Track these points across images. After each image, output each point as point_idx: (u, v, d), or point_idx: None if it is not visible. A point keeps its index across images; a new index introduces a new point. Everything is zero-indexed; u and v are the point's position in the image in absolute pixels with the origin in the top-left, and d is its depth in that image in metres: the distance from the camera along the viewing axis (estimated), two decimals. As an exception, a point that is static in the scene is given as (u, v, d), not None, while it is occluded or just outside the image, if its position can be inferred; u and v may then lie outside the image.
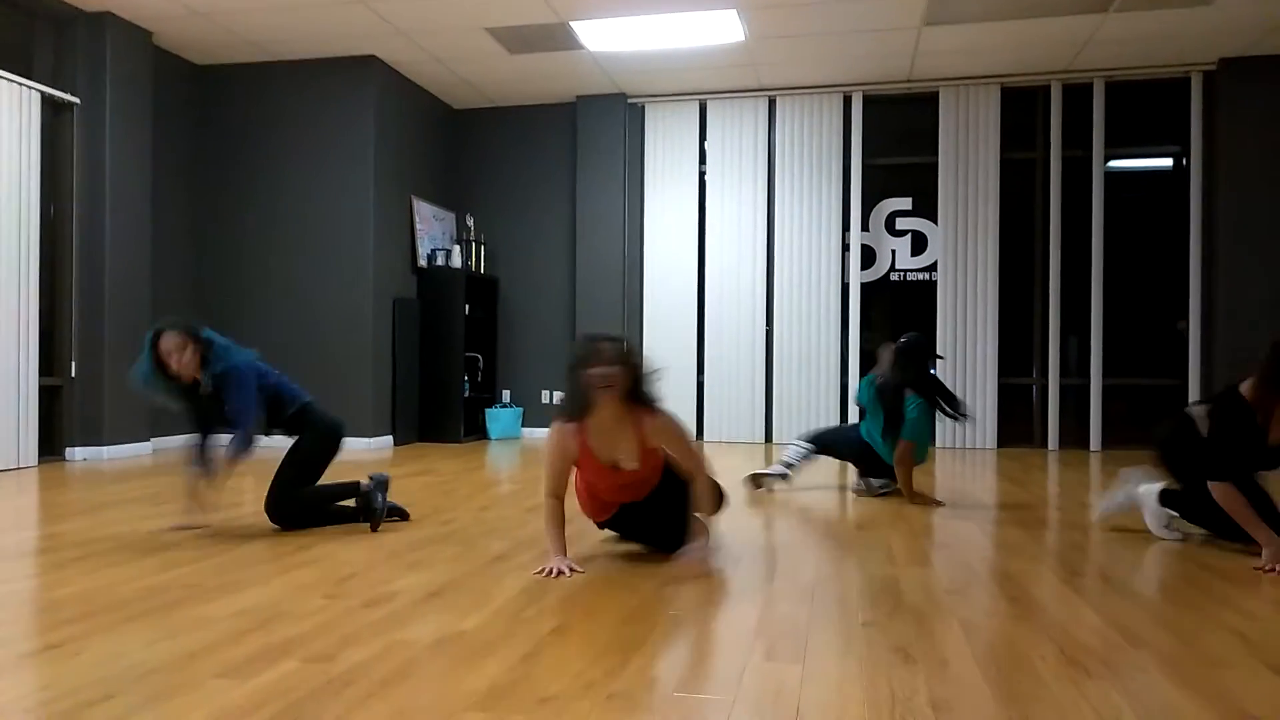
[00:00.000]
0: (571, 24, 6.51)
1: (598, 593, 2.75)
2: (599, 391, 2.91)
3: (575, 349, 2.99)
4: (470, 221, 8.44)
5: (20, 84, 5.92)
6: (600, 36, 6.73)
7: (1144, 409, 7.62)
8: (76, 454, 6.30)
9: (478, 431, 8.32)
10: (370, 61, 7.25)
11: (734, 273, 8.05)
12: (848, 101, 7.91)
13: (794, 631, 2.38)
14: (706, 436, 8.04)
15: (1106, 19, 6.37)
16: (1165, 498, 3.64)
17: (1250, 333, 7.05)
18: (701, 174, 8.19)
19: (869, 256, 7.95)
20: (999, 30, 6.61)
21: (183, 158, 7.42)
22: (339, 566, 3.10)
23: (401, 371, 7.62)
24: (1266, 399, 3.15)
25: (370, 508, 3.70)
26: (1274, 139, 7.09)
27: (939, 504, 4.53)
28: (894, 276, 7.93)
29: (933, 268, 7.82)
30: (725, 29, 6.56)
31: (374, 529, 3.70)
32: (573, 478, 3.21)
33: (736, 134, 8.07)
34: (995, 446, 7.58)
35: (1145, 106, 7.60)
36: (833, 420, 7.80)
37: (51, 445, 6.28)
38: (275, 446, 3.82)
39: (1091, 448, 7.53)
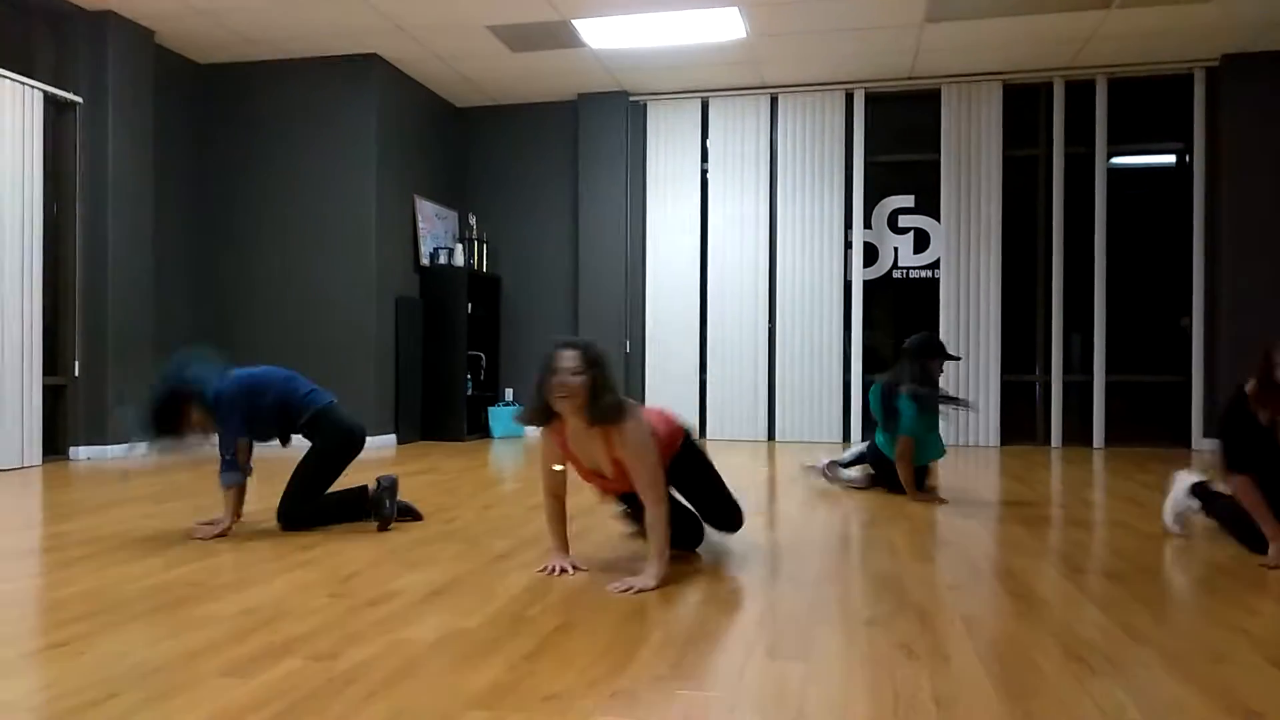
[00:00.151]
0: (573, 22, 6.51)
1: (600, 590, 2.75)
2: (559, 401, 2.81)
3: (544, 354, 2.87)
4: (473, 220, 8.45)
5: (23, 83, 5.93)
6: (602, 34, 6.73)
7: (1147, 406, 7.61)
8: (80, 453, 6.31)
9: (480, 430, 8.32)
10: (372, 60, 7.25)
11: (736, 270, 8.04)
12: (850, 99, 7.90)
13: (797, 629, 2.38)
14: (709, 434, 8.04)
15: (1109, 15, 6.35)
16: (1195, 489, 3.59)
17: (1254, 329, 7.03)
18: (704, 172, 8.18)
19: (871, 254, 7.95)
20: (1001, 27, 6.60)
21: (185, 157, 7.43)
22: (342, 565, 3.11)
23: (404, 370, 7.63)
24: (1264, 400, 3.14)
25: (380, 514, 3.68)
26: (1277, 135, 7.07)
27: (941, 501, 4.53)
28: (896, 274, 7.93)
29: (935, 265, 7.82)
30: (727, 26, 6.56)
31: (381, 528, 3.70)
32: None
33: (738, 132, 8.07)
34: (998, 443, 7.58)
35: (1148, 103, 7.59)
36: (834, 417, 7.81)
37: (55, 445, 6.29)
38: (299, 447, 3.79)
39: (1094, 445, 7.52)
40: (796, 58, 7.26)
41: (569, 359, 2.80)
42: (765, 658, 2.14)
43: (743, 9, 6.28)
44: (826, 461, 5.06)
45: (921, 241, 7.88)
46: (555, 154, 8.45)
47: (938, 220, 7.80)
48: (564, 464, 3.05)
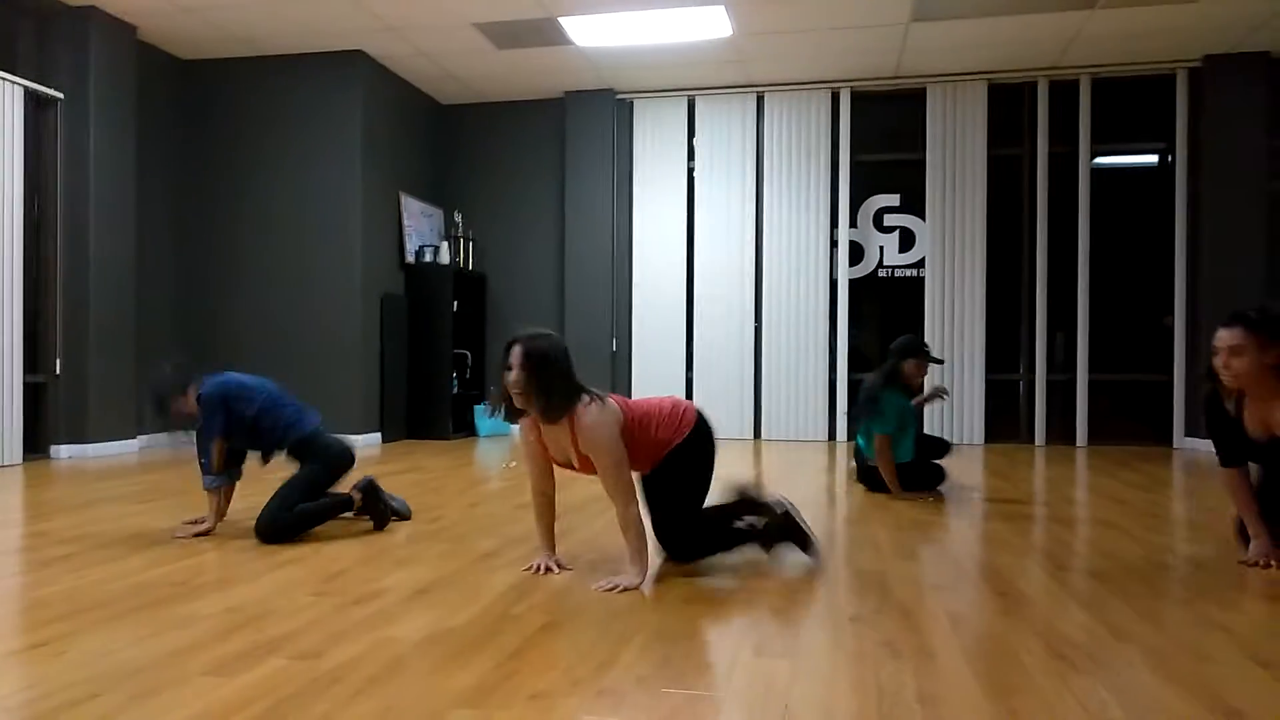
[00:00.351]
0: (560, 19, 6.49)
1: (587, 589, 2.75)
2: (515, 398, 2.78)
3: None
4: (458, 218, 8.42)
5: (3, 79, 5.87)
6: (588, 32, 6.72)
7: (1130, 404, 7.66)
8: (62, 451, 6.26)
9: (466, 428, 8.30)
10: (357, 56, 7.22)
11: (723, 268, 8.05)
12: (836, 98, 7.92)
13: (783, 627, 2.38)
14: (695, 433, 8.01)
15: (1093, 15, 6.39)
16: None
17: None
18: (690, 170, 8.19)
19: (857, 253, 7.97)
20: (986, 27, 6.63)
21: (168, 153, 7.38)
22: (327, 564, 3.09)
23: (389, 368, 7.60)
24: (1221, 388, 3.11)
25: (376, 515, 3.64)
26: (1258, 135, 7.13)
27: (926, 499, 4.55)
28: (882, 273, 7.95)
29: (920, 264, 7.85)
30: (713, 24, 6.56)
31: (377, 527, 3.67)
32: None
33: (725, 130, 8.08)
34: (983, 442, 7.61)
35: (1131, 103, 7.64)
36: (819, 415, 7.83)
37: (36, 443, 6.24)
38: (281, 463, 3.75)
39: (1077, 443, 7.57)
40: (782, 56, 7.27)
41: (514, 356, 2.75)
42: (751, 656, 2.14)
43: (729, 7, 6.28)
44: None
45: (907, 240, 7.91)
46: (542, 152, 8.44)
47: (923, 219, 7.83)
48: (545, 458, 3.00)
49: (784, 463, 6.18)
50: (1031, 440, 7.69)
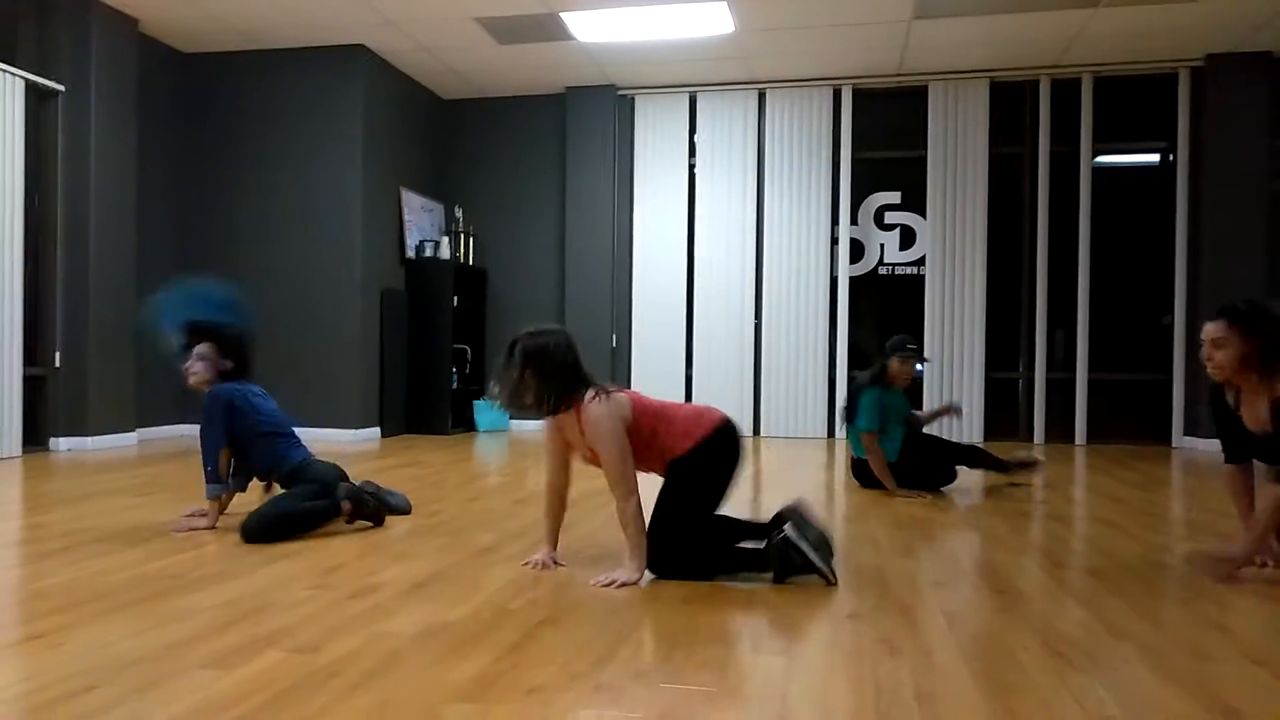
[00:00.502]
0: (562, 15, 6.49)
1: (585, 584, 2.75)
2: (516, 393, 2.82)
3: None
4: (459, 213, 8.42)
5: (4, 71, 5.86)
6: (590, 27, 6.71)
7: (1129, 404, 7.67)
8: (61, 444, 6.26)
9: (465, 423, 8.30)
10: (358, 51, 7.21)
11: (723, 265, 8.05)
12: (837, 95, 7.91)
13: (780, 623, 2.38)
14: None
15: (1095, 14, 6.38)
16: None
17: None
18: (691, 167, 8.18)
19: (858, 250, 7.97)
20: (988, 25, 6.62)
21: (168, 146, 7.37)
22: (325, 558, 3.09)
23: (389, 363, 7.60)
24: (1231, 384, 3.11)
25: (371, 516, 3.62)
26: (1260, 135, 7.13)
27: (922, 495, 4.55)
28: (882, 270, 7.95)
29: (921, 262, 7.84)
30: (715, 21, 6.55)
31: (378, 524, 3.66)
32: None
33: (726, 127, 8.07)
34: (982, 440, 7.61)
35: (1133, 102, 7.63)
36: (819, 412, 7.83)
37: (36, 435, 6.24)
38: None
39: (1076, 442, 7.57)
40: (784, 53, 7.26)
41: (516, 352, 2.81)
42: (749, 652, 2.15)
43: (731, 3, 6.27)
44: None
45: (908, 238, 7.90)
46: (542, 147, 8.43)
47: (924, 217, 7.82)
48: (562, 452, 3.01)
49: (783, 460, 6.19)
50: (1031, 438, 7.69)
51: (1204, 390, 6.72)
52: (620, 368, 8.16)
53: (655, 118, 8.19)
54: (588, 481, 4.73)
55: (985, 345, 7.67)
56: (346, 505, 3.55)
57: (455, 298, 7.92)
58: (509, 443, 7.23)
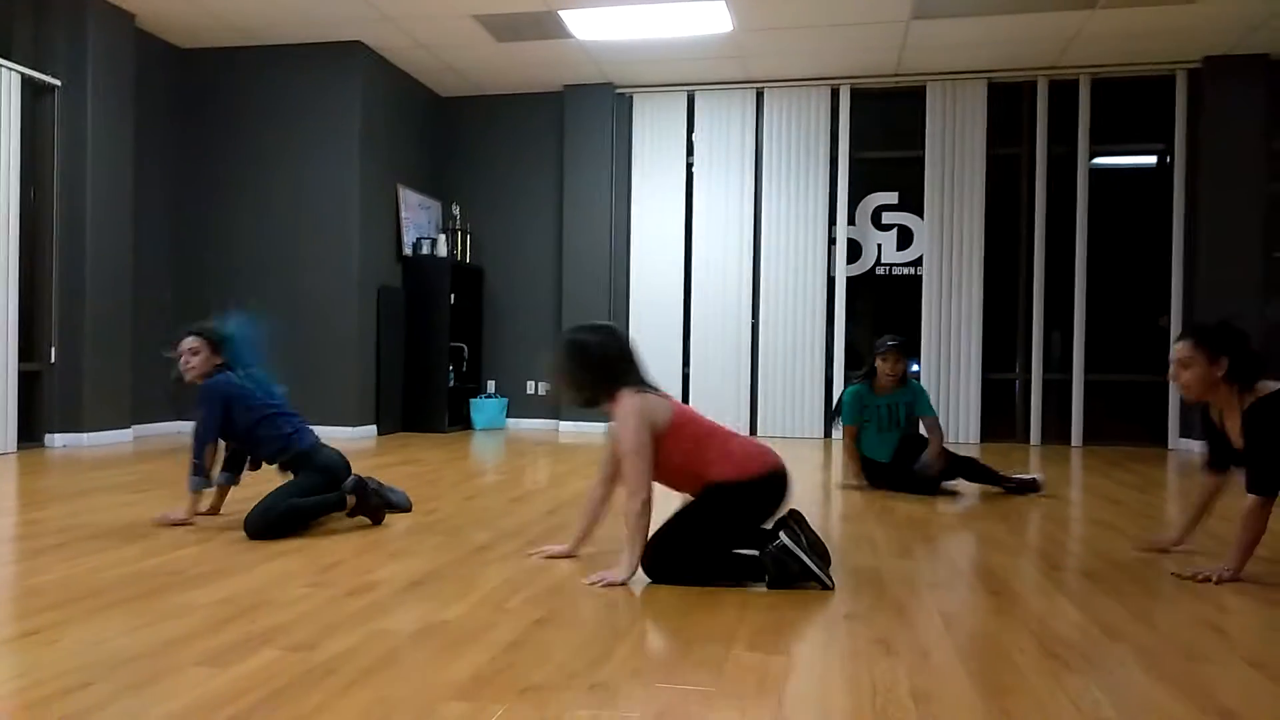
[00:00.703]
0: (560, 12, 6.48)
1: (581, 584, 2.75)
2: (559, 386, 3.03)
3: None
4: (456, 210, 8.41)
5: (0, 65, 5.84)
6: (589, 25, 6.70)
7: (1125, 405, 7.68)
8: (56, 440, 6.25)
9: (462, 422, 8.29)
10: (356, 47, 7.19)
11: (720, 265, 8.04)
12: (835, 95, 7.91)
13: (777, 623, 2.38)
14: (691, 428, 8.01)
15: (1093, 15, 6.39)
16: None
17: (1231, 330, 7.09)
18: (689, 166, 8.17)
19: (855, 250, 7.97)
20: (986, 25, 6.63)
21: (165, 142, 7.35)
22: (322, 555, 3.09)
23: (386, 361, 7.59)
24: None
25: (371, 513, 3.61)
26: (1257, 137, 7.14)
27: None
28: (880, 271, 7.95)
29: (918, 262, 7.85)
30: (713, 19, 6.55)
31: (375, 522, 3.66)
32: None
33: (724, 126, 8.06)
34: (978, 440, 7.62)
35: (1130, 104, 7.64)
36: (816, 412, 7.83)
37: (31, 431, 6.22)
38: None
39: (1073, 443, 7.58)
40: (783, 52, 7.26)
41: (556, 355, 2.99)
42: (745, 651, 2.14)
43: (729, 3, 6.26)
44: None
45: (905, 238, 7.90)
46: (540, 145, 8.42)
47: (921, 217, 7.82)
48: (617, 460, 3.01)
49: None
50: (1027, 439, 7.70)
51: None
52: (617, 366, 8.14)
53: (653, 116, 8.18)
54: (587, 482, 4.73)
55: (982, 346, 7.67)
56: (350, 498, 3.56)
57: (452, 295, 7.91)
58: (505, 441, 7.22)
